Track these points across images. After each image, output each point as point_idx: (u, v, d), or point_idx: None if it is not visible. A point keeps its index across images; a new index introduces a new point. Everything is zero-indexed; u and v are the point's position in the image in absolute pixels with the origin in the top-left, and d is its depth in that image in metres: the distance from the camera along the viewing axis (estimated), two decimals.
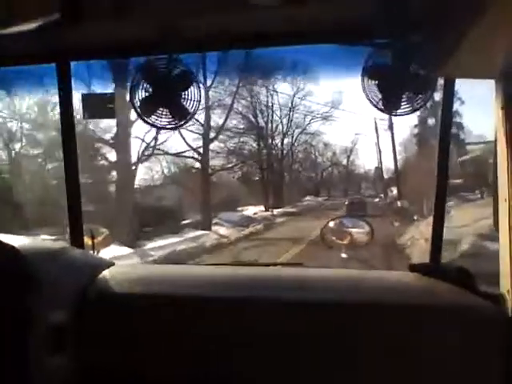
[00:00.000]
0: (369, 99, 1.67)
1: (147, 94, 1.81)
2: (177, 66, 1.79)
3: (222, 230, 15.66)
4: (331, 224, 2.78)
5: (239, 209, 20.78)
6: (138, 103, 1.82)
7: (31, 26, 1.51)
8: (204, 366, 1.49)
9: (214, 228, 15.90)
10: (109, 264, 1.84)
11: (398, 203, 17.56)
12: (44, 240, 1.81)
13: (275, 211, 20.15)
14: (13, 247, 1.42)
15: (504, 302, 1.46)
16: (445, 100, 1.71)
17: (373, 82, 1.65)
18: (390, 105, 1.68)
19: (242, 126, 20.68)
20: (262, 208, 20.64)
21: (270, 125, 21.60)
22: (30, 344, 1.35)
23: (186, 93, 1.81)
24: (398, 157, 21.96)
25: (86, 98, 1.96)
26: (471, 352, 1.38)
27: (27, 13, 1.48)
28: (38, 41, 1.67)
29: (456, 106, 19.70)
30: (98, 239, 2.49)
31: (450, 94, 1.71)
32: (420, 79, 1.63)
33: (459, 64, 1.39)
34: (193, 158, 17.60)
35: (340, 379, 1.43)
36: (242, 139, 20.71)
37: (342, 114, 26.46)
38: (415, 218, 13.73)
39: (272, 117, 21.53)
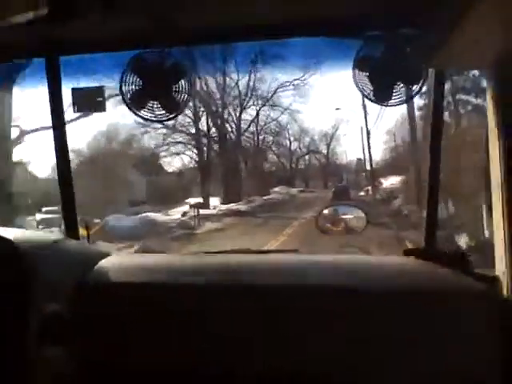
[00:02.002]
0: (360, 91, 1.67)
1: (137, 88, 1.80)
2: (167, 59, 1.78)
3: None
4: (326, 211, 2.79)
5: (186, 201, 16.07)
6: (128, 96, 1.82)
7: (20, 19, 1.49)
8: (203, 353, 1.50)
9: None
10: (105, 254, 1.84)
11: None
12: (39, 232, 1.80)
13: (219, 209, 15.23)
14: (8, 239, 1.42)
15: (499, 284, 1.48)
16: (436, 91, 1.71)
17: (364, 73, 1.66)
18: (381, 96, 1.69)
19: None
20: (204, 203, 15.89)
21: (220, 92, 16.80)
22: (26, 335, 1.36)
23: (177, 85, 1.80)
24: (391, 143, 18.61)
25: (75, 92, 1.95)
26: (466, 334, 1.39)
27: (16, 6, 1.46)
28: (26, 35, 1.65)
29: None
30: (93, 230, 2.49)
31: (440, 84, 1.71)
32: (411, 70, 1.63)
33: (450, 55, 1.39)
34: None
35: (337, 362, 1.44)
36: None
37: (319, 83, 21.16)
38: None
39: (224, 82, 16.52)
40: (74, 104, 1.95)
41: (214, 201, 16.64)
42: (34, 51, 1.87)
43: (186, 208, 14.89)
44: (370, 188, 18.22)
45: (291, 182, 21.10)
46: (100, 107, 1.98)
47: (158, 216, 13.10)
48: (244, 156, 19.03)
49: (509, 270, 1.45)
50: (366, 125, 17.99)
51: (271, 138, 19.91)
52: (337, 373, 1.45)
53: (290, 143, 20.77)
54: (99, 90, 1.97)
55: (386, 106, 1.71)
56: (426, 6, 1.39)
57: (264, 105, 17.75)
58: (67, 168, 1.99)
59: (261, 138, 19.48)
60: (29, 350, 1.36)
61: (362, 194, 18.05)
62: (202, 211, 13.53)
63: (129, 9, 1.57)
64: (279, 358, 1.47)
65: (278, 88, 17.02)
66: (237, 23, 1.73)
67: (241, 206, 15.63)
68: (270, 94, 17.33)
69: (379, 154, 19.67)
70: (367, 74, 1.65)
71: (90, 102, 1.96)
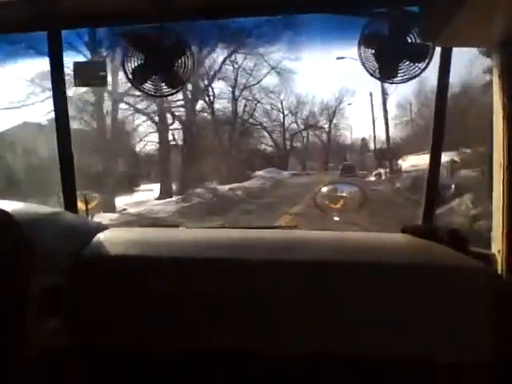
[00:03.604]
0: (365, 68, 1.67)
1: (139, 62, 1.80)
2: (169, 35, 1.77)
3: None
4: (324, 189, 2.79)
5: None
6: (131, 71, 1.81)
7: None
8: (199, 327, 1.51)
9: None
10: (103, 227, 1.84)
11: None
12: (37, 205, 1.81)
13: (121, 214, 9.83)
14: (4, 211, 1.42)
15: (495, 262, 1.50)
16: (441, 68, 1.70)
17: (369, 50, 1.65)
18: (386, 73, 1.68)
19: None
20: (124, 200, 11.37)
21: None
22: (24, 307, 1.37)
23: (179, 61, 1.79)
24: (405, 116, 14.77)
25: (77, 66, 1.93)
26: (461, 310, 1.41)
27: None
28: (28, 8, 1.64)
29: None
30: (91, 204, 2.49)
31: (446, 62, 1.70)
32: (417, 48, 1.63)
33: (456, 32, 1.38)
34: None
35: (331, 336, 1.46)
36: None
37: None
38: None
39: None
40: (75, 78, 1.93)
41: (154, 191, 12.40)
42: (36, 24, 1.84)
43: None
44: (382, 171, 13.75)
45: (283, 164, 17.18)
46: (102, 81, 1.97)
47: None
48: (215, 129, 14.52)
49: (505, 248, 1.47)
50: (382, 85, 13.07)
51: (254, 105, 15.28)
52: (332, 350, 1.47)
53: (284, 116, 16.54)
54: (101, 64, 1.95)
55: (392, 83, 1.71)
56: None
57: (236, 51, 12.66)
58: (67, 142, 1.98)
59: (241, 104, 14.78)
60: (27, 321, 1.37)
61: (373, 179, 13.68)
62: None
63: None
64: (273, 337, 1.49)
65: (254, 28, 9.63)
66: None
67: (160, 207, 9.88)
68: (244, 36, 10.92)
69: (391, 129, 15.15)
70: (373, 51, 1.65)
71: (92, 76, 1.94)
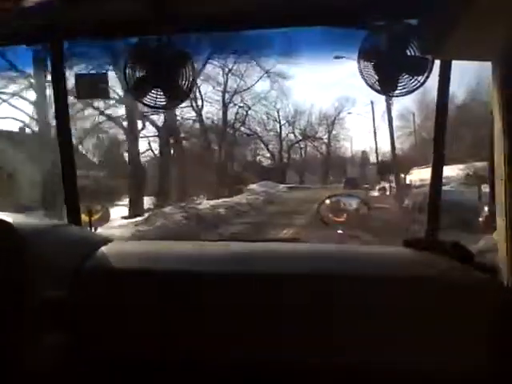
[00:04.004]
0: (365, 80, 1.68)
1: (141, 75, 1.80)
2: (171, 46, 1.78)
3: None
4: (328, 201, 2.79)
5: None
6: (132, 84, 1.82)
7: (25, 4, 1.49)
8: (200, 341, 1.50)
9: None
10: (106, 240, 1.84)
11: None
12: (41, 218, 1.82)
13: None
14: (7, 223, 1.43)
15: (500, 275, 1.48)
16: (441, 82, 1.71)
17: (369, 63, 1.66)
18: (386, 86, 1.69)
19: None
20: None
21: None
22: (24, 320, 1.37)
23: (180, 73, 1.80)
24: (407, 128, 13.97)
25: (79, 78, 1.94)
26: (466, 323, 1.40)
27: None
28: (31, 20, 1.65)
29: None
30: (95, 216, 2.49)
31: (446, 75, 1.70)
32: (416, 61, 1.63)
33: (455, 46, 1.38)
34: None
35: (333, 349, 1.45)
36: None
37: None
38: None
39: None
40: (77, 90, 1.94)
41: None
42: (39, 36, 1.86)
43: None
44: (386, 186, 12.62)
45: (279, 176, 15.89)
46: (103, 94, 1.98)
47: None
48: (201, 136, 12.81)
49: (509, 259, 1.45)
50: (389, 106, 12.76)
51: (245, 112, 14.03)
52: (336, 361, 1.46)
53: (280, 126, 15.91)
54: (103, 77, 1.96)
55: (391, 96, 1.72)
56: None
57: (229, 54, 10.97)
58: (70, 153, 1.99)
59: (232, 111, 13.45)
60: (28, 335, 1.37)
61: (376, 194, 12.73)
62: None
63: None
64: (276, 348, 1.48)
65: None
66: (239, 11, 1.72)
67: (115, 230, 8.03)
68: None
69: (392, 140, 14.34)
70: (372, 63, 1.66)
71: (93, 88, 1.96)
